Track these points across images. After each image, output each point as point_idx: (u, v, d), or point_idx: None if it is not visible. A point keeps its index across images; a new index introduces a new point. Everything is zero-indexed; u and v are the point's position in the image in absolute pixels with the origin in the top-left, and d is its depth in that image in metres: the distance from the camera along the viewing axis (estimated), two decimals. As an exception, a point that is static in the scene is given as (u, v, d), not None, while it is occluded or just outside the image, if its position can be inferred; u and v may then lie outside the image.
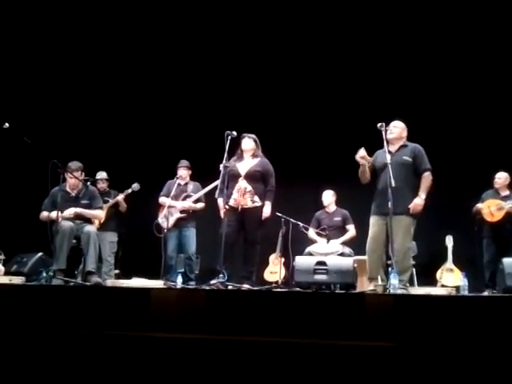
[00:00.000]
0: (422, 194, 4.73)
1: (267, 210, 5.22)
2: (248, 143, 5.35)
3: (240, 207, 5.17)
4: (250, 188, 5.21)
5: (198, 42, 7.40)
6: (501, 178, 6.15)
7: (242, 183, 5.23)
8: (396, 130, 4.88)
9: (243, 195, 5.20)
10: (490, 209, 5.99)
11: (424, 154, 4.86)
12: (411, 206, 4.68)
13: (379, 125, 4.71)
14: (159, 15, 7.33)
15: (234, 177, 5.24)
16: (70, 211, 5.35)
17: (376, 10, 6.98)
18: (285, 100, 7.38)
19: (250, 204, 5.18)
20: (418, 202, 4.70)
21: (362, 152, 4.79)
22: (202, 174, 6.21)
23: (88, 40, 7.36)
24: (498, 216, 5.93)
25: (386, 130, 4.74)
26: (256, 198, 5.21)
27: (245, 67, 7.39)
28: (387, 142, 4.73)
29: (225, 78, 7.44)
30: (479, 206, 6.08)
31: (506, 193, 6.10)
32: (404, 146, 4.89)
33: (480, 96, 6.87)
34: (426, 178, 4.79)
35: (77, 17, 7.23)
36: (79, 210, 5.42)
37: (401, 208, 4.65)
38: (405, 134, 4.93)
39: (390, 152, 4.72)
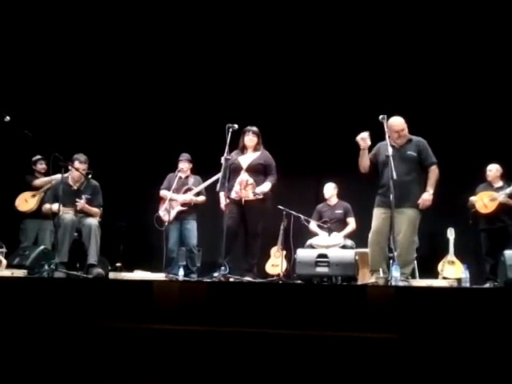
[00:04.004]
0: (430, 188, 4.72)
1: (264, 189, 5.14)
2: (252, 140, 5.32)
3: (243, 200, 5.17)
4: (251, 181, 5.20)
5: (199, 35, 7.37)
6: (491, 169, 6.14)
7: (244, 176, 5.22)
8: (401, 131, 4.78)
9: (245, 187, 5.19)
10: (484, 201, 5.98)
11: (428, 147, 4.85)
12: (420, 201, 4.68)
13: (381, 117, 4.68)
14: (158, 9, 7.29)
15: (235, 170, 5.24)
16: (80, 205, 5.34)
17: (374, 4, 6.95)
18: (286, 92, 7.36)
19: (251, 196, 5.18)
20: (427, 197, 4.69)
21: (364, 134, 4.74)
22: (203, 167, 6.21)
23: (88, 33, 7.33)
24: (492, 207, 5.92)
25: (387, 123, 4.71)
26: (258, 191, 5.20)
27: (246, 60, 7.37)
28: (389, 136, 4.69)
29: (225, 71, 7.43)
30: (473, 198, 6.08)
31: (499, 184, 6.09)
32: (409, 140, 4.86)
33: (481, 88, 6.86)
34: (433, 172, 4.78)
35: (74, 11, 7.20)
36: (86, 207, 5.41)
37: (408, 202, 4.65)
38: (406, 128, 4.87)
39: (394, 147, 4.71)
